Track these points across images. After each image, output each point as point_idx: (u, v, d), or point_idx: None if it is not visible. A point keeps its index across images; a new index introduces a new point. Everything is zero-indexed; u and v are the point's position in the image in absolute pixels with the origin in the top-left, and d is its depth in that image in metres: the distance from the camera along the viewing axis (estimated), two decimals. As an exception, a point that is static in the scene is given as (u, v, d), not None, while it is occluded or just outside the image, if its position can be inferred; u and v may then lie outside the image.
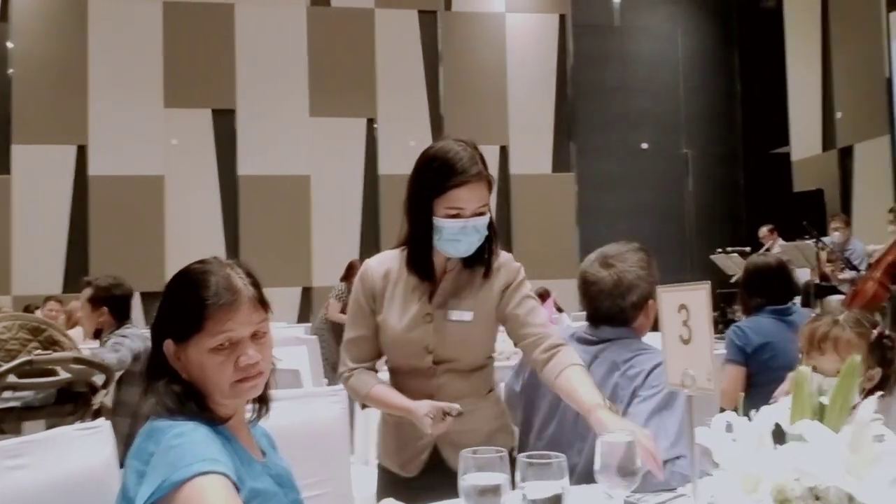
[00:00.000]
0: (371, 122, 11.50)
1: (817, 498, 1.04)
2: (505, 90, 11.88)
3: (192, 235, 10.45)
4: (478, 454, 1.36)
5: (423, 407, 1.84)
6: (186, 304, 1.39)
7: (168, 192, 10.82)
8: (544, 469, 1.32)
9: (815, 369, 1.70)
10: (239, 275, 1.42)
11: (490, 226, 1.92)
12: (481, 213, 1.88)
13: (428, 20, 11.74)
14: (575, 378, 1.80)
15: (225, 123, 11.05)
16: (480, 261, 1.97)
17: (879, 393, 1.70)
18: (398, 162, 11.47)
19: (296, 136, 11.11)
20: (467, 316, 1.94)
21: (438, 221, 1.87)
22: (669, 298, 1.21)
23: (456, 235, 1.87)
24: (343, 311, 7.01)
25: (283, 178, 11.05)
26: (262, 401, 1.51)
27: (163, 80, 10.89)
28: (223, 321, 1.36)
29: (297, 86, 11.23)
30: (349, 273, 7.64)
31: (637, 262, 2.08)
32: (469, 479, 1.34)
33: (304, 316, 10.48)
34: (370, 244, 10.75)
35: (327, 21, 11.38)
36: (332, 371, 6.30)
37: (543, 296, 7.83)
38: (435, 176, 1.87)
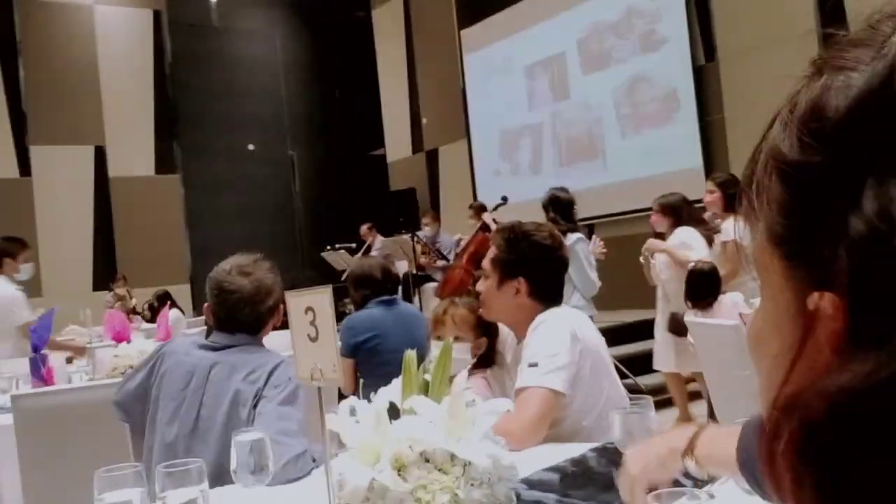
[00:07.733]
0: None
1: (427, 460, 1.24)
2: (98, 87, 11.09)
3: None
4: (112, 472, 1.35)
5: None
6: None
7: None
8: (184, 476, 1.37)
9: (439, 338, 2.17)
10: None
11: None
12: None
13: (2, 7, 10.49)
14: None
15: None
16: None
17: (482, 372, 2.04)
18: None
19: None
20: None
21: None
22: (296, 302, 1.33)
23: None
24: None
25: None
26: None
27: None
28: None
29: None
30: None
31: (268, 269, 2.27)
32: (106, 499, 1.33)
33: None
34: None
35: None
36: None
37: (162, 300, 7.52)
38: None
